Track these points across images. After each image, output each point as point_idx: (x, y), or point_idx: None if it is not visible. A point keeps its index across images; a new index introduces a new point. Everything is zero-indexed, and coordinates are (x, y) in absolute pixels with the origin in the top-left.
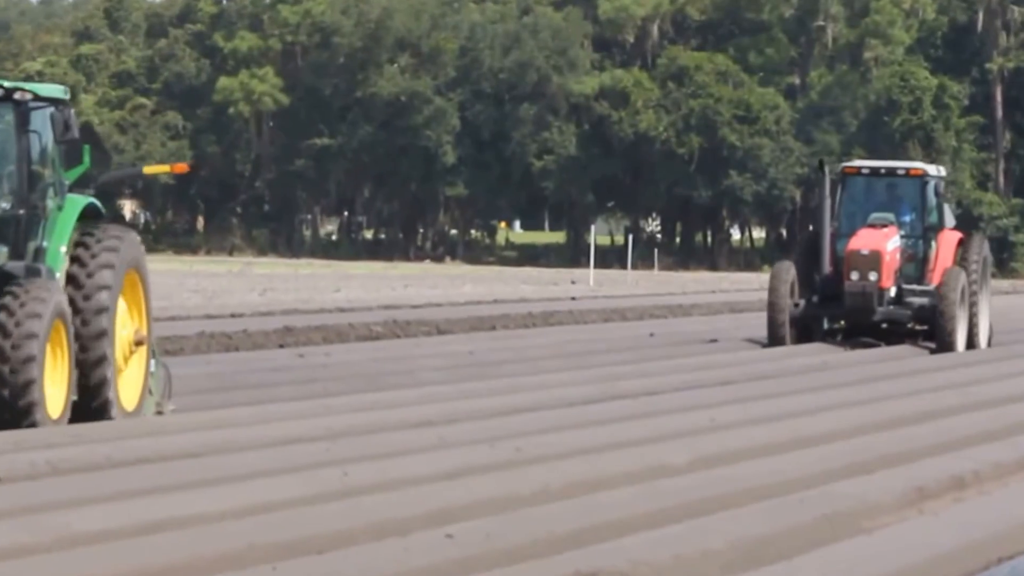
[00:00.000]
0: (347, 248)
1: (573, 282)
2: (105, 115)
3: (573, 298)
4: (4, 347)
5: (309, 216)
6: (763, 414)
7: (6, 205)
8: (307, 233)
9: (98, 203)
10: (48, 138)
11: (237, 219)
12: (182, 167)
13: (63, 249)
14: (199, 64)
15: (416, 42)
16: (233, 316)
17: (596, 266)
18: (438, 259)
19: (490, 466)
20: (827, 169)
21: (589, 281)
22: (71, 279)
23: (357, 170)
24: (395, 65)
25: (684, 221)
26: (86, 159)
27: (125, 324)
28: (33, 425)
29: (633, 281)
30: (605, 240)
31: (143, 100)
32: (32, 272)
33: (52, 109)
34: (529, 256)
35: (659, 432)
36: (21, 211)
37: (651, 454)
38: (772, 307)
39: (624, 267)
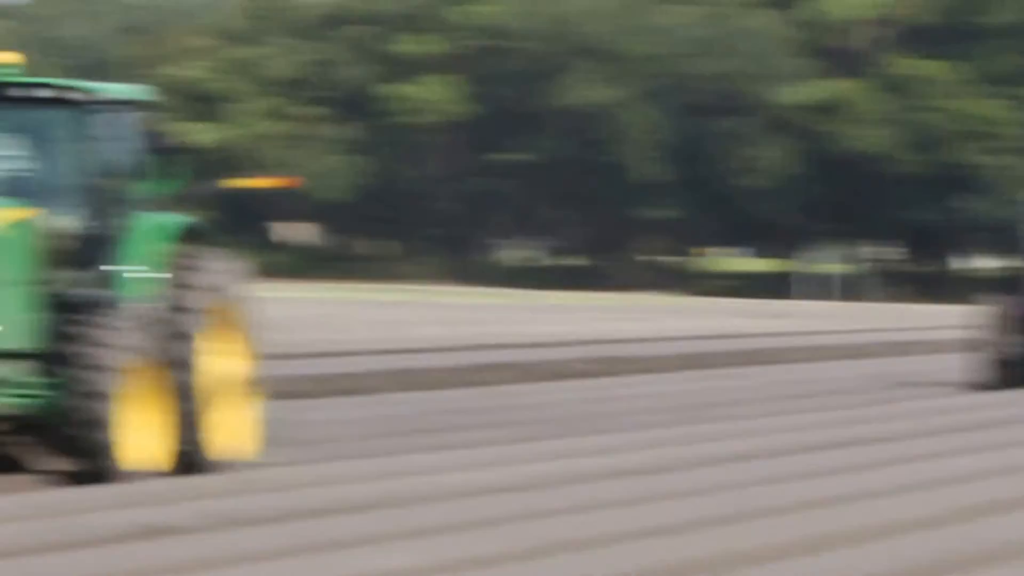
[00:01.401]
0: (538, 275)
1: (784, 315)
2: (267, 126)
3: (791, 333)
4: (69, 406)
5: (497, 240)
6: (999, 465)
7: (73, 223)
8: (495, 259)
9: (195, 222)
10: (121, 146)
11: (418, 243)
12: (292, 181)
13: (143, 274)
14: (369, 70)
15: (612, 49)
16: (415, 351)
17: (809, 297)
18: (638, 288)
19: (705, 521)
20: None
21: (802, 313)
22: (156, 310)
23: (547, 189)
24: (587, 74)
25: (908, 247)
26: (184, 172)
27: (223, 362)
28: (109, 471)
29: (857, 314)
30: (820, 268)
31: (309, 110)
32: (103, 302)
33: (132, 114)
34: (737, 285)
35: (893, 483)
36: (101, 230)
37: (887, 508)
38: (982, 346)
39: (840, 298)
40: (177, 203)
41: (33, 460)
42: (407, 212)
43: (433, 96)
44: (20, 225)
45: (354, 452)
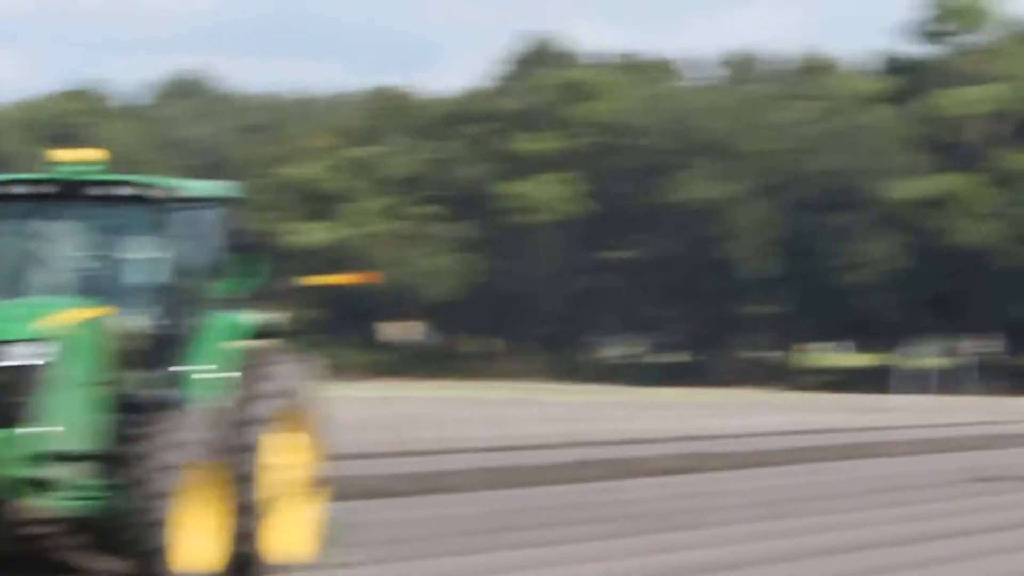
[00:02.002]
0: (642, 372)
1: (881, 409)
2: (381, 225)
3: (887, 427)
4: (128, 507)
5: (602, 337)
6: None
7: (144, 323)
8: (598, 356)
9: (262, 321)
10: (200, 244)
11: (524, 341)
12: (373, 277)
13: (211, 375)
14: (484, 168)
15: (728, 145)
16: (516, 448)
17: (908, 391)
18: (740, 385)
19: None
20: None
21: (899, 408)
22: (222, 412)
23: (655, 286)
24: (699, 169)
25: (1014, 341)
26: (263, 270)
27: (290, 463)
28: (164, 574)
29: (953, 408)
30: (920, 362)
31: (424, 208)
32: (170, 403)
33: (212, 211)
34: (836, 380)
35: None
36: (170, 330)
37: None
38: None
39: (938, 392)
40: (260, 301)
41: (87, 562)
42: (515, 310)
43: (546, 194)
44: (89, 325)
45: (452, 550)
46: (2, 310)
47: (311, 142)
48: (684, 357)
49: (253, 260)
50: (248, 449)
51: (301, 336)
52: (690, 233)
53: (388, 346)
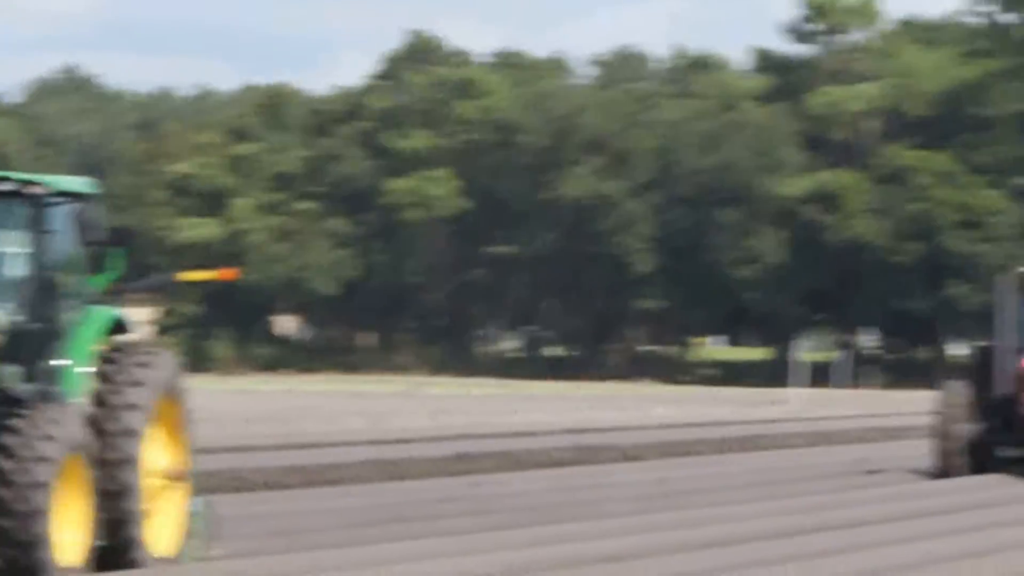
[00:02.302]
0: (528, 366)
1: (773, 403)
2: (263, 220)
3: (774, 420)
4: (6, 498)
5: (486, 331)
6: (961, 550)
7: (18, 318)
8: (484, 350)
9: (124, 317)
10: (70, 240)
11: (407, 334)
12: (230, 273)
13: (84, 369)
14: (367, 165)
15: (607, 142)
16: (401, 441)
17: (803, 385)
18: (628, 378)
19: None
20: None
21: (794, 401)
22: (95, 400)
23: (540, 281)
24: (583, 166)
25: (900, 335)
26: (120, 264)
27: (159, 456)
28: (44, 565)
29: (842, 401)
30: (813, 356)
31: (306, 204)
32: (46, 396)
33: (76, 206)
34: (730, 374)
35: (861, 567)
36: (36, 325)
37: None
38: (940, 433)
39: (833, 386)
40: (131, 296)
41: None
42: (397, 305)
43: (430, 190)
44: None
45: (337, 541)
46: None
47: (195, 139)
48: (571, 351)
49: (112, 255)
50: (122, 442)
51: (181, 330)
52: (575, 229)
53: (277, 340)
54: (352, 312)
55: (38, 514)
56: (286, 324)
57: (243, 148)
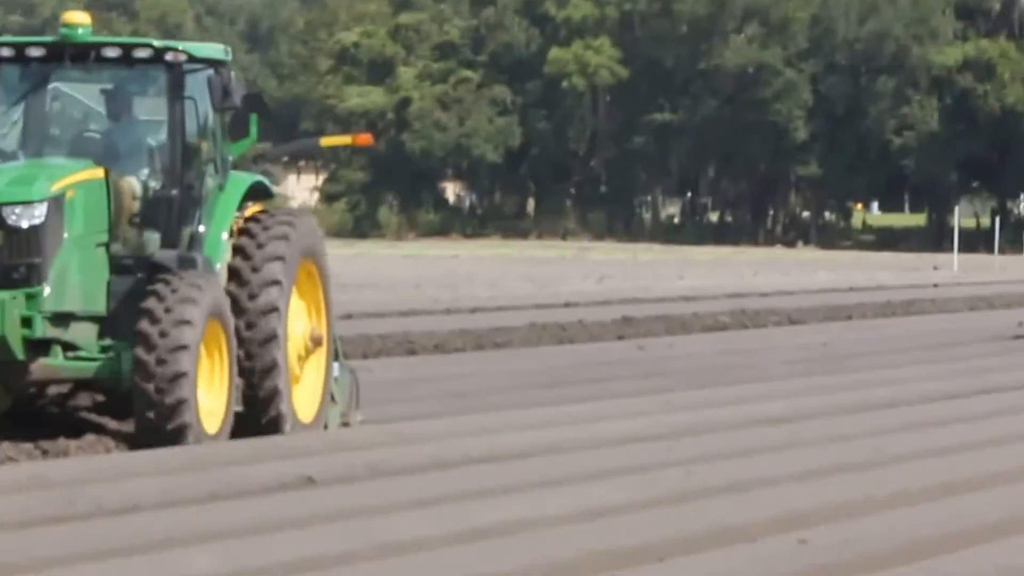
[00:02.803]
0: (690, 232)
1: (935, 268)
2: (426, 89)
3: (935, 285)
4: (148, 362)
5: (648, 198)
6: None
7: (157, 184)
8: (646, 216)
9: (267, 182)
10: (207, 106)
11: (571, 201)
12: (366, 139)
13: (224, 236)
14: (529, 34)
15: (765, 10)
16: (567, 305)
17: (960, 250)
18: (789, 243)
19: (845, 467)
20: None
21: (953, 267)
22: (234, 274)
23: (700, 148)
24: (742, 35)
25: None
26: (253, 131)
27: (300, 323)
28: (185, 431)
29: (1001, 266)
30: (970, 222)
31: (468, 73)
32: (186, 263)
33: (210, 72)
34: (887, 240)
35: None
36: (174, 191)
37: (1019, 453)
38: None
39: (991, 251)
40: (277, 163)
41: (99, 421)
42: (562, 172)
43: (591, 59)
44: (98, 186)
45: (505, 403)
46: (11, 171)
47: (361, 8)
48: (732, 217)
49: (247, 121)
50: (266, 311)
51: (348, 196)
52: (735, 97)
53: (439, 206)
54: (516, 179)
55: (181, 377)
56: (452, 190)
57: (407, 17)
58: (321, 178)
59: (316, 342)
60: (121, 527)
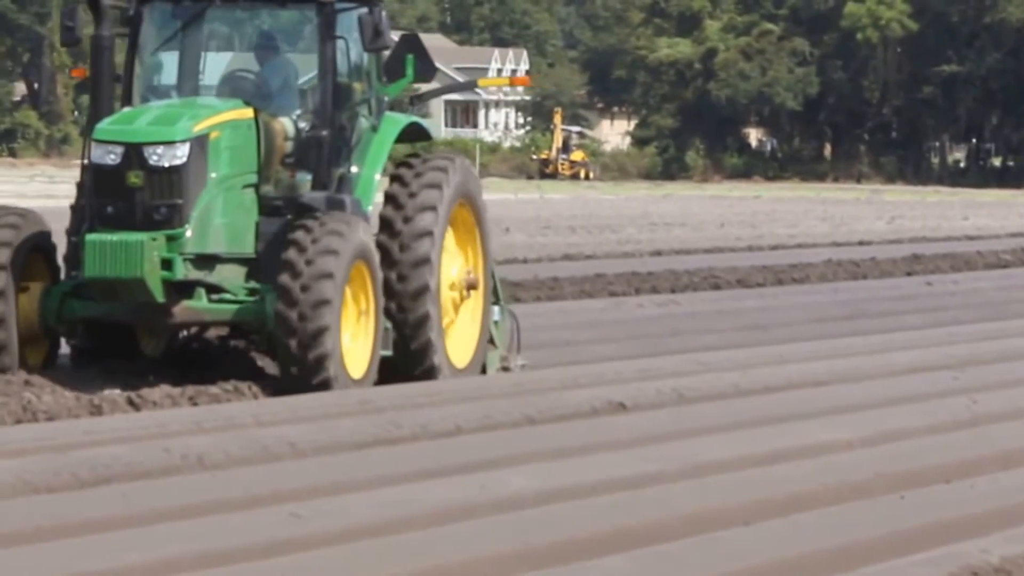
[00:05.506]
0: (975, 176)
1: None
2: (730, 41)
3: None
4: (293, 288)
5: (936, 143)
6: None
7: (307, 125)
8: (935, 160)
9: (423, 123)
10: (358, 46)
11: (864, 146)
12: (523, 80)
13: (377, 177)
14: None
15: None
16: (861, 244)
17: None
18: None
19: None
20: None
21: None
22: (385, 224)
23: (985, 97)
24: None
25: None
26: (409, 71)
27: (456, 268)
28: (327, 384)
29: None
30: None
31: (770, 26)
32: (335, 204)
33: (362, 11)
34: None
35: None
36: (325, 132)
37: None
38: None
39: None
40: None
41: (246, 363)
42: (856, 119)
43: (884, 13)
44: (245, 126)
45: (804, 335)
46: (159, 111)
47: None
48: (1015, 162)
49: (404, 61)
50: (417, 264)
51: (657, 141)
52: (1019, 49)
53: (742, 150)
54: (814, 125)
55: (323, 332)
56: (754, 136)
57: None
58: (633, 123)
59: (472, 286)
60: (444, 449)
